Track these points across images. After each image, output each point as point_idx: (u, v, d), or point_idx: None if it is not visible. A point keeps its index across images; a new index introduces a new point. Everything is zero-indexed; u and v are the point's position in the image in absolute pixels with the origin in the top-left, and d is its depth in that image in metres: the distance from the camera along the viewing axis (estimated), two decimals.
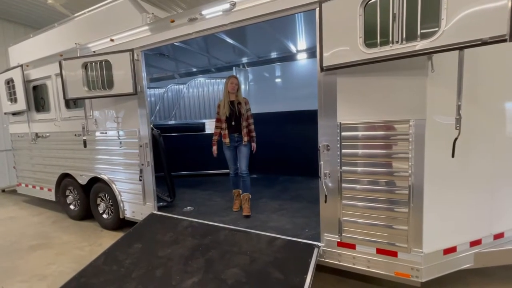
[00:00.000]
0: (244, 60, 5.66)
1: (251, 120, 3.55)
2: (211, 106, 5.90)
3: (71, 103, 4.25)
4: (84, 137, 3.84)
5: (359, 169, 2.21)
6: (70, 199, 4.59)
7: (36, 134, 4.79)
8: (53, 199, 4.77)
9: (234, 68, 5.56)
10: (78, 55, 3.67)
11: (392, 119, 2.07)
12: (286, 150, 5.39)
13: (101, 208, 4.15)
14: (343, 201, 2.30)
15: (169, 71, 6.51)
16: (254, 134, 3.59)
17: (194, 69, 6.26)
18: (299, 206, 3.62)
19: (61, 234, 4.05)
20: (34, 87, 4.72)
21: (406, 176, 2.06)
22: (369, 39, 1.93)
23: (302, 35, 4.45)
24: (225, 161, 4.85)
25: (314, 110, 5.14)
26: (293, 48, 4.95)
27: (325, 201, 2.31)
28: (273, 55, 5.39)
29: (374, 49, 1.91)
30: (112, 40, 3.53)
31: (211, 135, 5.65)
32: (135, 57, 3.29)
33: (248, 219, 3.19)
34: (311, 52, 5.10)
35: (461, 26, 1.61)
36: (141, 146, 3.45)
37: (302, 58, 5.22)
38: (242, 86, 5.68)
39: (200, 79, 6.01)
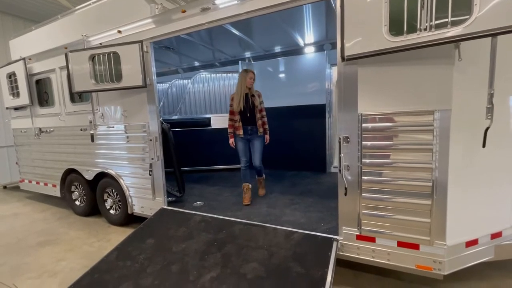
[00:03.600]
0: (250, 54, 5.59)
1: (264, 113, 3.67)
2: (216, 101, 5.83)
3: (76, 97, 4.16)
4: (92, 132, 3.77)
5: (380, 161, 2.17)
6: (75, 195, 4.53)
7: (40, 129, 4.70)
8: (58, 195, 4.70)
9: (240, 62, 5.48)
10: (85, 47, 3.58)
11: (416, 110, 2.03)
12: (293, 145, 5.35)
13: (108, 204, 4.09)
14: (363, 194, 2.26)
15: (173, 66, 6.42)
16: (267, 126, 3.71)
17: (199, 64, 6.17)
18: (311, 200, 3.58)
19: (68, 230, 4.00)
20: (37, 81, 4.62)
21: (429, 168, 2.02)
22: (395, 27, 1.87)
23: (310, 27, 4.38)
24: (231, 156, 4.81)
25: (321, 104, 5.22)
26: (300, 41, 4.88)
27: (345, 194, 2.28)
28: (280, 48, 5.32)
29: (400, 37, 1.86)
30: (119, 31, 3.44)
31: (216, 130, 5.69)
32: (144, 49, 3.21)
33: (262, 214, 3.15)
34: (318, 46, 5.04)
35: (496, 12, 1.56)
36: (150, 140, 3.39)
37: (309, 52, 5.15)
38: None
39: (205, 74, 5.92)
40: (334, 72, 5.11)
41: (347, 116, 2.28)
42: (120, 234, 3.75)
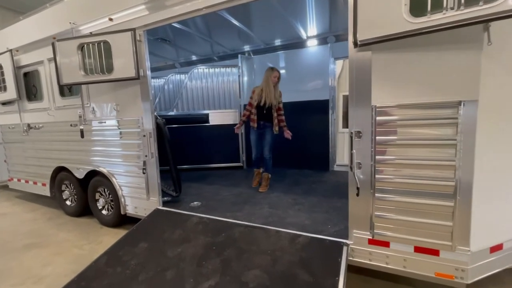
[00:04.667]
0: (250, 47, 5.36)
1: (282, 111, 3.87)
2: (215, 96, 5.60)
3: (66, 91, 3.92)
4: (81, 127, 3.54)
5: (396, 158, 1.97)
6: (66, 194, 4.29)
7: (28, 125, 4.46)
8: (48, 194, 4.47)
9: (239, 55, 5.25)
10: (73, 36, 3.34)
11: (438, 100, 1.82)
12: (294, 142, 5.10)
13: (100, 204, 3.86)
14: (377, 194, 2.06)
15: (170, 60, 6.19)
16: (284, 123, 3.91)
17: (196, 58, 5.94)
18: (315, 200, 3.38)
19: (58, 232, 3.77)
20: (25, 74, 4.37)
21: (452, 166, 1.82)
22: (416, 7, 1.66)
23: (313, 17, 4.17)
24: (229, 154, 5.26)
25: (324, 100, 5.00)
26: (303, 34, 4.66)
27: (357, 195, 2.07)
28: (281, 41, 5.11)
29: (422, 18, 1.65)
30: (110, 19, 3.20)
31: (215, 126, 5.47)
32: (137, 38, 2.98)
33: (263, 215, 2.95)
34: (321, 39, 4.83)
35: None
36: (144, 136, 3.16)
37: (312, 45, 4.93)
38: (246, 78, 5.41)
39: (203, 69, 5.68)
40: (338, 66, 4.90)
41: (359, 109, 2.07)
42: (112, 236, 3.53)
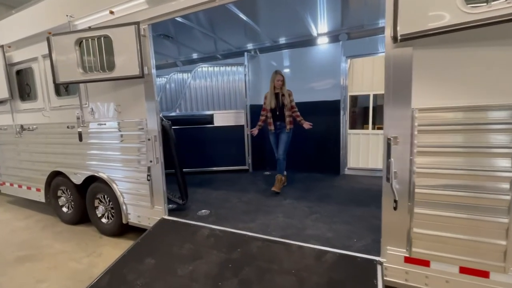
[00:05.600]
0: (256, 45, 5.12)
1: (295, 109, 3.92)
2: (219, 96, 5.33)
3: (63, 90, 3.65)
4: (79, 129, 3.26)
5: (440, 167, 1.74)
6: (62, 200, 4.01)
7: (22, 126, 4.17)
8: (43, 200, 4.18)
9: (245, 53, 5.00)
10: (71, 31, 3.06)
11: (491, 103, 1.60)
12: (304, 144, 4.91)
13: (99, 212, 3.59)
14: (416, 208, 1.83)
15: (171, 58, 5.92)
16: (300, 118, 3.90)
17: (199, 56, 5.68)
18: (331, 208, 3.16)
19: (53, 242, 3.49)
20: (18, 72, 4.08)
21: (508, 178, 1.60)
22: None
23: (324, 14, 3.95)
24: (235, 156, 5.22)
25: (335, 100, 4.78)
26: (313, 30, 4.43)
27: (395, 208, 1.84)
28: (289, 39, 4.87)
29: (482, 8, 1.43)
30: (111, 12, 2.94)
31: (219, 128, 5.23)
32: (142, 32, 2.72)
33: (279, 226, 2.71)
34: (332, 37, 4.61)
35: None
36: (149, 139, 2.90)
37: (322, 43, 4.71)
38: (252, 77, 5.16)
39: (208, 67, 5.41)
40: (350, 65, 4.68)
41: (396, 112, 1.84)
42: (113, 247, 3.27)
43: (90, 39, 2.85)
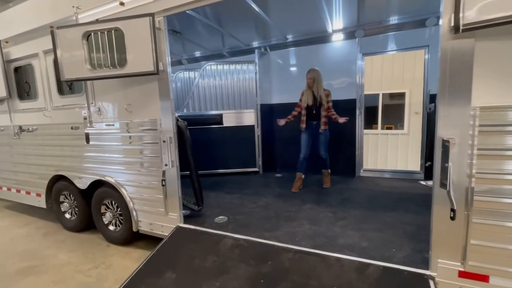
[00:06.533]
0: (267, 42, 4.92)
1: (331, 110, 3.85)
2: (229, 95, 5.11)
3: (66, 88, 3.40)
4: (87, 131, 3.03)
5: (504, 172, 1.57)
6: (65, 206, 3.76)
7: (20, 127, 3.90)
8: (43, 206, 3.92)
9: (256, 51, 4.80)
10: (77, 24, 2.83)
11: None
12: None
13: (106, 218, 3.35)
14: (474, 217, 1.65)
15: (176, 56, 5.68)
16: (336, 115, 3.81)
17: (205, 53, 5.45)
18: (357, 214, 2.97)
19: (57, 252, 3.24)
20: (16, 69, 3.81)
21: None
22: None
23: (339, 10, 3.76)
24: (244, 158, 5.07)
25: (350, 99, 4.61)
26: (329, 26, 4.24)
27: (453, 218, 1.66)
28: (303, 35, 4.68)
29: None
30: (122, 3, 2.71)
31: (229, 128, 5.02)
32: (157, 25, 2.50)
33: (307, 234, 2.52)
34: (347, 33, 4.43)
35: None
36: (164, 141, 2.68)
37: (337, 40, 4.53)
38: (262, 75, 4.96)
39: (217, 65, 5.17)
40: (367, 62, 4.51)
41: (453, 111, 1.66)
42: (122, 257, 3.04)
43: (99, 32, 2.62)
